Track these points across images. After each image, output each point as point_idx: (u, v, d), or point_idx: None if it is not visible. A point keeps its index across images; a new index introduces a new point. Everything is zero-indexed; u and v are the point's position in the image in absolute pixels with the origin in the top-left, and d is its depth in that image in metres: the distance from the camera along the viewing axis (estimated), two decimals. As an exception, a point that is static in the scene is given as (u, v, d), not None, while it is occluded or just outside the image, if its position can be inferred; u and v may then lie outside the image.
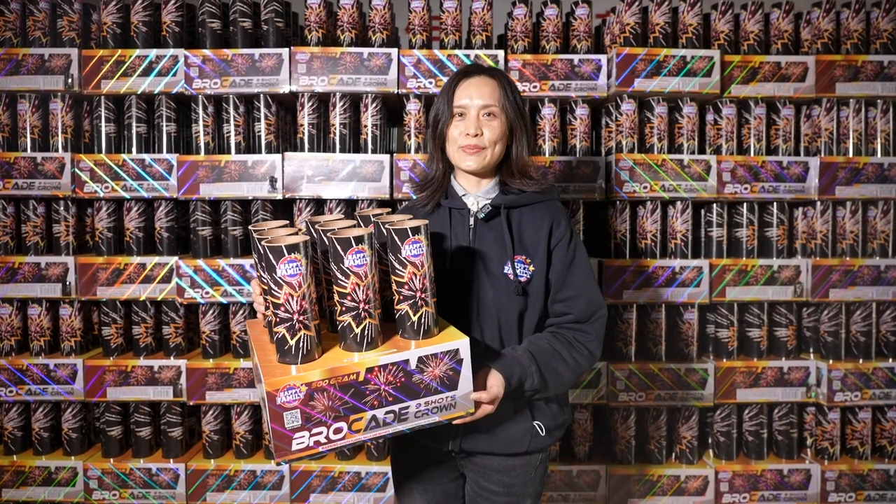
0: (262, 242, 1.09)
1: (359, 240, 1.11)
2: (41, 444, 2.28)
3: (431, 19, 2.31)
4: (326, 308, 1.31)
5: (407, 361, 1.12)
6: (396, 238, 1.14)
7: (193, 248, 2.24)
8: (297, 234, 1.20)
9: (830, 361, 2.23)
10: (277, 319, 1.10)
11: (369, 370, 1.10)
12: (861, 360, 2.24)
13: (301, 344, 1.11)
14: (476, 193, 1.42)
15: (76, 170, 2.20)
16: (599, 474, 2.22)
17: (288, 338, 1.11)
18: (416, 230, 1.14)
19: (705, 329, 2.33)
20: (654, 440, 2.26)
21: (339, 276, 1.12)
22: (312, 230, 1.29)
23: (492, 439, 1.36)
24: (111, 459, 2.24)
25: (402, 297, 1.17)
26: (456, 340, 1.15)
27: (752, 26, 2.28)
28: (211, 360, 2.21)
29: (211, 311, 2.23)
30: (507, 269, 1.35)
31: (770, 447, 2.31)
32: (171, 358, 2.23)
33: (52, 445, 2.29)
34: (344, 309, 1.14)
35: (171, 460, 2.23)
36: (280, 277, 1.08)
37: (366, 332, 1.14)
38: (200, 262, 2.18)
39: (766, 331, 2.28)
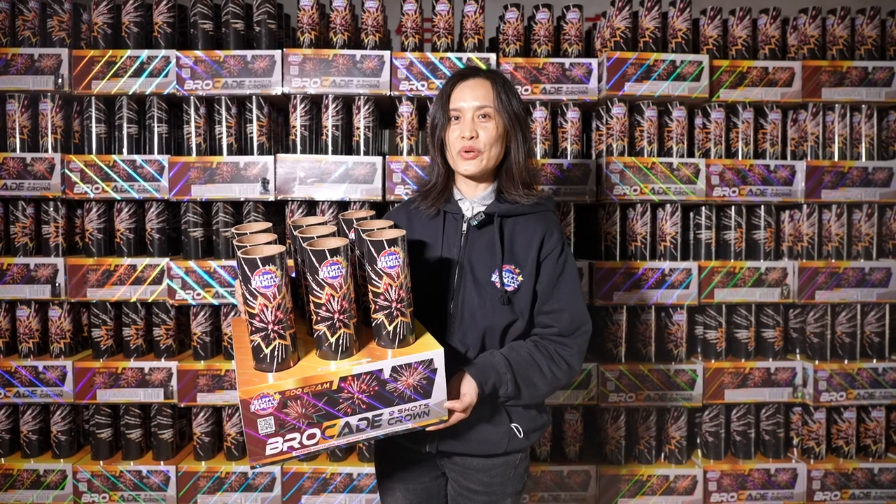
0: (239, 253, 1.10)
1: (334, 252, 1.11)
2: (29, 447, 2.26)
3: (424, 22, 2.32)
4: (307, 312, 1.31)
5: (381, 371, 1.13)
6: (373, 249, 1.15)
7: (185, 249, 2.24)
8: (276, 242, 1.20)
9: (816, 362, 2.26)
10: (252, 328, 1.11)
11: (343, 379, 1.11)
12: (846, 361, 2.28)
13: (276, 353, 1.12)
14: (472, 198, 1.42)
15: (66, 170, 2.19)
16: (590, 474, 2.24)
17: (263, 346, 1.12)
18: (392, 242, 1.14)
19: (694, 330, 2.36)
20: (644, 440, 2.28)
21: (314, 286, 1.13)
22: (294, 235, 1.30)
23: (469, 442, 1.36)
24: (101, 462, 2.22)
25: (377, 307, 1.18)
26: (430, 350, 1.16)
27: (741, 32, 2.31)
28: (202, 362, 2.20)
29: (202, 313, 2.22)
30: (495, 277, 1.35)
31: (757, 447, 2.34)
32: (162, 360, 2.22)
33: (40, 448, 2.27)
34: (319, 318, 1.15)
35: (162, 462, 2.22)
36: (255, 288, 1.09)
37: (340, 341, 1.15)
38: (192, 264, 2.17)
39: (753, 332, 2.31)
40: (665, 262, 2.24)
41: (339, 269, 1.12)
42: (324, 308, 1.13)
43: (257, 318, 1.11)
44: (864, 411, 2.32)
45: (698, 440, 2.36)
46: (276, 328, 1.11)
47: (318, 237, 1.19)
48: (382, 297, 1.17)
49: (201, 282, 2.17)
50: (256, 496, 2.20)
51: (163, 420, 2.23)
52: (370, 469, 2.20)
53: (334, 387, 1.11)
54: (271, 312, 1.10)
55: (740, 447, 2.31)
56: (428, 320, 1.32)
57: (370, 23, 2.25)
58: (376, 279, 1.16)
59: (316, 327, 1.16)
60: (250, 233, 1.29)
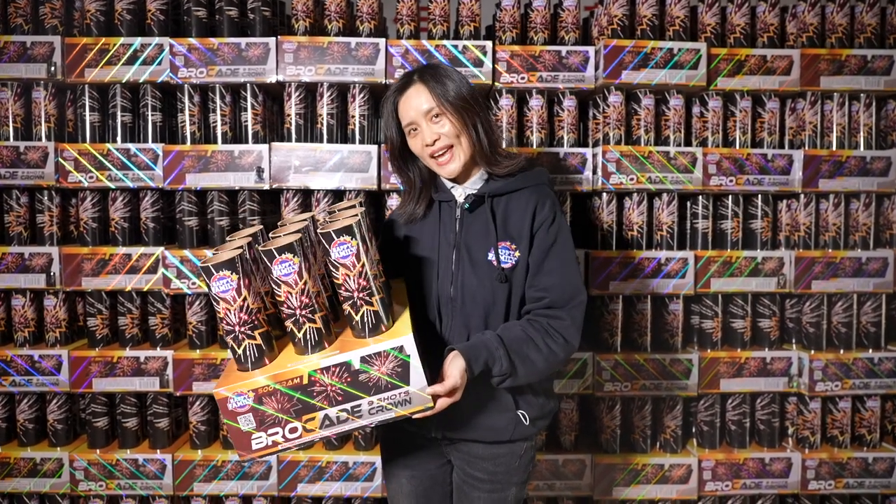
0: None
1: (281, 250, 1.11)
2: (26, 436, 2.26)
3: (419, 9, 2.30)
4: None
5: (349, 363, 1.14)
6: (324, 242, 1.15)
7: (180, 238, 2.23)
8: (238, 248, 1.21)
9: (812, 352, 2.26)
10: (223, 332, 1.15)
11: (312, 373, 1.13)
12: (842, 351, 2.28)
13: (248, 353, 1.15)
14: (464, 185, 1.43)
15: (60, 159, 2.18)
16: (585, 463, 2.25)
17: (235, 347, 1.15)
18: (340, 232, 1.14)
19: (690, 320, 2.35)
20: (639, 430, 2.29)
21: (273, 286, 1.15)
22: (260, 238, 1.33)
23: (475, 427, 1.37)
24: (97, 450, 2.23)
25: (342, 298, 1.19)
26: (399, 337, 1.16)
27: (739, 19, 2.29)
28: (198, 351, 2.20)
29: (198, 302, 2.22)
30: (491, 256, 1.35)
31: (752, 436, 2.35)
32: (158, 349, 2.22)
33: (37, 437, 2.28)
34: (284, 315, 1.16)
35: (158, 451, 2.23)
36: (215, 294, 1.11)
37: (308, 335, 1.16)
38: (187, 253, 2.17)
39: (749, 322, 2.30)
40: (661, 252, 2.23)
41: (289, 265, 1.12)
42: (285, 305, 1.15)
43: (225, 322, 1.14)
44: (860, 401, 2.32)
45: (693, 429, 2.37)
46: (242, 329, 1.13)
47: (272, 236, 1.20)
48: (343, 288, 1.17)
49: (196, 271, 2.17)
50: (252, 484, 2.21)
51: (159, 409, 2.24)
52: (366, 457, 2.20)
53: (305, 381, 1.13)
54: (235, 315, 1.12)
55: (735, 436, 2.31)
56: (435, 307, 1.33)
57: (365, 10, 2.23)
58: (334, 271, 1.17)
59: (285, 324, 1.18)
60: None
